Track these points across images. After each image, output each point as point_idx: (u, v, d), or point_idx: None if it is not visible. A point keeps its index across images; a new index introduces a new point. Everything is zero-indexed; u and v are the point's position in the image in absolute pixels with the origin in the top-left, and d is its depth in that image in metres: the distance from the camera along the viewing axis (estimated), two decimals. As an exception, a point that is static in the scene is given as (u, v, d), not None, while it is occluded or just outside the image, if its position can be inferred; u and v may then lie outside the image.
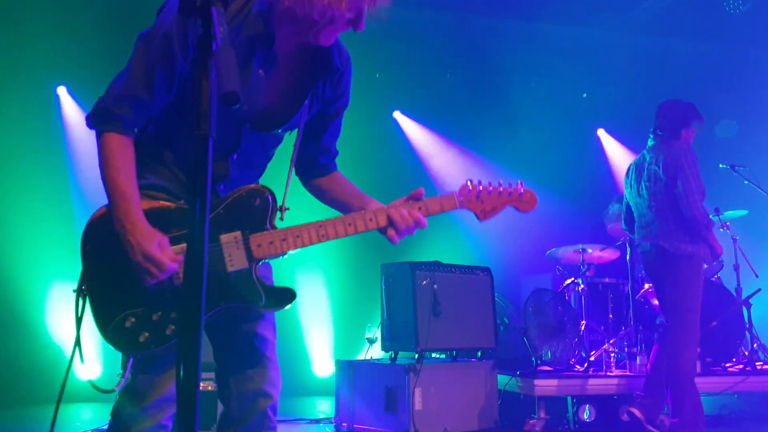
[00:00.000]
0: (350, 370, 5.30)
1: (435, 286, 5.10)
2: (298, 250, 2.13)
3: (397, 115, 8.20)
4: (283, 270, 6.78)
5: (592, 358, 5.75)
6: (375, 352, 5.94)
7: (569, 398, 5.28)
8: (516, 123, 8.36)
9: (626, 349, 5.77)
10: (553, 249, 6.49)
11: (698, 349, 4.83)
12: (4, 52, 6.82)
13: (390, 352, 5.17)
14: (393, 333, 5.16)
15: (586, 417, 5.24)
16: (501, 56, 8.15)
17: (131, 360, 2.03)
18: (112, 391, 2.07)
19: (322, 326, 7.15)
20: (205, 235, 1.15)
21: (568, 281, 6.21)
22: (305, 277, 7.07)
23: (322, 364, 7.21)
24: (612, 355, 5.68)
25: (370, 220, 2.17)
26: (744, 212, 6.53)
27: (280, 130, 2.23)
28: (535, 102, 8.48)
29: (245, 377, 2.18)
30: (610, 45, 8.34)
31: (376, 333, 5.78)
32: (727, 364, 5.84)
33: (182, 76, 2.04)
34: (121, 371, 2.06)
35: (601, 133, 8.92)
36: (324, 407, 6.45)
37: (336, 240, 6.26)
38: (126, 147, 2.03)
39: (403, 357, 5.18)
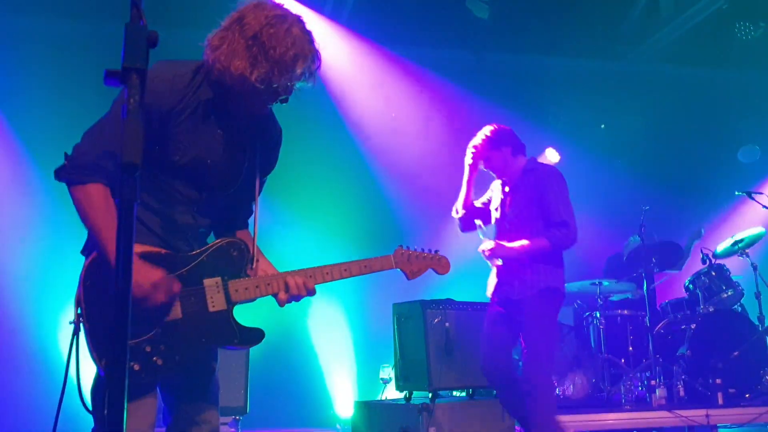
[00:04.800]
0: (367, 411, 5.33)
1: (447, 324, 5.12)
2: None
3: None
4: (299, 313, 6.86)
5: (611, 392, 5.68)
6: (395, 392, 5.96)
7: (587, 434, 5.22)
8: (533, 155, 8.35)
9: (645, 382, 5.69)
10: (570, 283, 6.45)
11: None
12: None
13: (405, 392, 5.18)
14: (406, 372, 5.17)
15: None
16: (517, 91, 8.21)
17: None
18: (103, 415, 2.19)
19: (342, 367, 7.17)
20: (129, 299, 1.23)
21: (585, 315, 6.18)
22: (321, 319, 7.13)
23: (345, 405, 7.23)
24: (630, 388, 5.60)
25: (327, 274, 2.50)
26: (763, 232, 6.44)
27: (232, 190, 2.46)
28: (552, 135, 8.49)
29: (194, 423, 2.41)
30: (626, 76, 8.36)
31: (390, 373, 5.80)
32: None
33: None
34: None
35: (620, 164, 8.87)
36: (347, 448, 6.45)
37: (350, 280, 6.28)
38: (110, 197, 2.21)
39: (419, 396, 5.19)
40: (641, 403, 5.63)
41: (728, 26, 7.60)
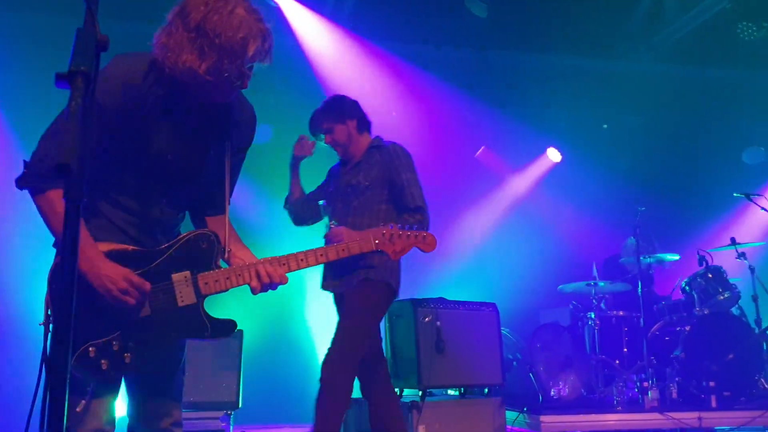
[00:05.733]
0: (357, 407, 5.34)
1: (438, 322, 5.13)
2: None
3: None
4: (295, 309, 6.86)
5: (603, 393, 5.69)
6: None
7: (578, 434, 5.23)
8: (534, 155, 8.38)
9: (639, 384, 5.68)
10: (564, 284, 6.47)
11: None
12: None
13: (396, 389, 5.20)
14: (397, 370, 5.19)
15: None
16: (518, 90, 8.20)
17: (92, 385, 2.21)
18: (75, 412, 2.19)
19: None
20: (74, 295, 1.25)
21: (579, 315, 6.19)
22: (317, 314, 7.15)
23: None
24: (623, 389, 5.60)
25: (302, 260, 2.47)
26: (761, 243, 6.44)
27: (198, 179, 2.43)
28: (554, 135, 8.49)
29: (156, 417, 2.43)
30: (629, 75, 8.32)
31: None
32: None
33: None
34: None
35: (622, 164, 8.83)
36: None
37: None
38: None
39: (410, 394, 5.21)
40: (633, 405, 5.63)
41: (731, 26, 7.55)
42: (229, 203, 2.49)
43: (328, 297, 7.13)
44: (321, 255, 2.47)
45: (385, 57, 7.65)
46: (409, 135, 8.10)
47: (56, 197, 2.15)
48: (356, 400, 5.47)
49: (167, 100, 2.28)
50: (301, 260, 2.45)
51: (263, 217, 6.67)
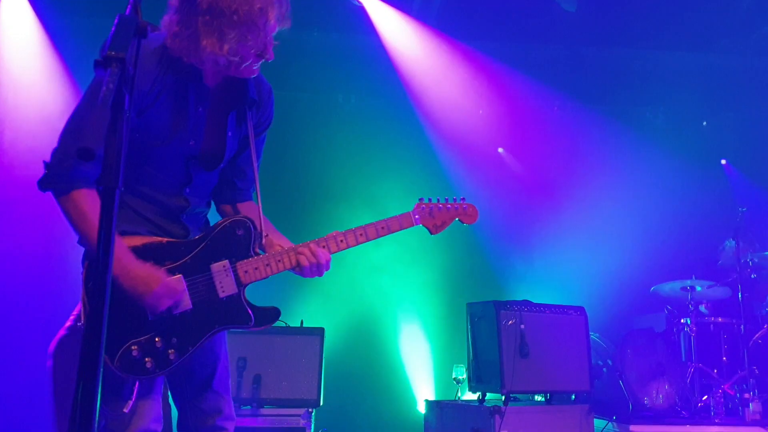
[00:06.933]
0: (438, 410, 5.27)
1: (522, 326, 4.98)
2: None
3: (500, 151, 8.13)
4: (378, 308, 6.86)
5: (699, 404, 5.37)
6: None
7: (670, 446, 4.96)
8: (631, 155, 8.05)
9: (739, 395, 5.34)
10: (658, 285, 6.16)
11: None
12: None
13: (478, 393, 5.09)
14: (479, 374, 5.08)
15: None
16: (615, 87, 7.94)
17: (137, 384, 2.18)
18: (122, 413, 2.18)
19: (424, 366, 7.14)
20: (107, 283, 1.24)
21: (675, 321, 5.87)
22: (403, 317, 7.11)
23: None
24: (721, 400, 5.27)
25: (342, 241, 2.40)
26: None
27: (222, 165, 2.36)
28: (650, 132, 8.16)
29: (203, 413, 2.36)
30: (732, 70, 7.90)
31: (464, 373, 5.71)
32: None
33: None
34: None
35: (725, 163, 8.38)
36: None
37: (428, 279, 6.19)
38: (96, 200, 2.09)
39: (493, 398, 5.09)
40: (733, 417, 5.29)
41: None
42: (258, 186, 2.40)
43: (410, 296, 7.14)
44: (360, 235, 2.40)
45: (473, 55, 7.54)
46: (498, 133, 7.98)
47: (81, 198, 2.08)
48: (437, 402, 5.39)
49: (183, 84, 2.20)
50: (340, 241, 2.38)
51: (347, 219, 6.69)
